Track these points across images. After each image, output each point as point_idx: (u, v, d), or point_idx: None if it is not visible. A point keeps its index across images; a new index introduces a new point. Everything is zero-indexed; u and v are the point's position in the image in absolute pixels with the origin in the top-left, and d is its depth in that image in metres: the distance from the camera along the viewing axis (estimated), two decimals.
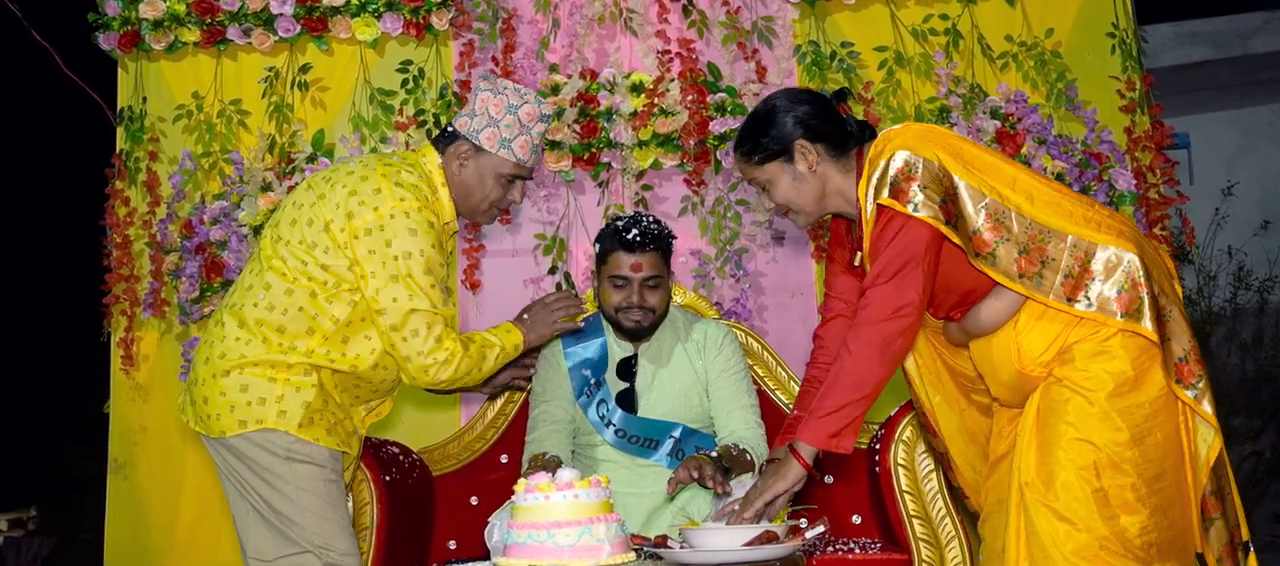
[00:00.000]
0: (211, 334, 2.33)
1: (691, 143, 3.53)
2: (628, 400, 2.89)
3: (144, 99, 3.85)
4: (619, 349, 2.95)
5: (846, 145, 2.24)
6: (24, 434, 8.25)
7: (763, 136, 2.24)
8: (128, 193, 3.81)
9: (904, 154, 2.08)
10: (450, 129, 2.45)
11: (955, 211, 2.06)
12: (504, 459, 3.26)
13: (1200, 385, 2.03)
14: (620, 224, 2.87)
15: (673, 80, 3.58)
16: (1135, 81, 3.58)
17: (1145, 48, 3.80)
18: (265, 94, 3.78)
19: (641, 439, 2.86)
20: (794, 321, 3.62)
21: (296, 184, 3.62)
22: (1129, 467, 1.99)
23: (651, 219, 2.89)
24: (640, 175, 3.60)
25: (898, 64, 3.65)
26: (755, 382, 3.04)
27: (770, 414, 3.05)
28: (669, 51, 3.62)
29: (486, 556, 2.55)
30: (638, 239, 2.81)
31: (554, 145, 3.56)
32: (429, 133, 3.67)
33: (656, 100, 3.56)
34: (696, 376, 2.91)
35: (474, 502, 3.19)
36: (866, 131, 2.26)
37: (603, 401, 2.88)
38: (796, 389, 3.24)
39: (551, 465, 2.76)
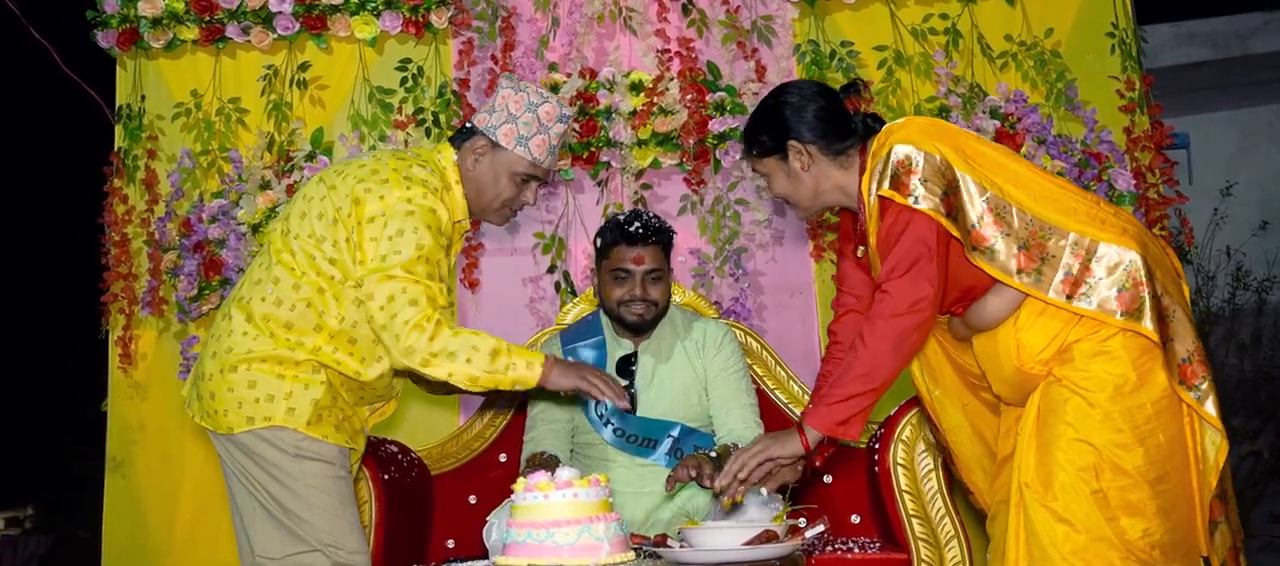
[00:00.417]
0: (218, 328, 2.31)
1: (691, 142, 3.53)
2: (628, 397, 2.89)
3: (142, 97, 3.85)
4: (618, 346, 2.95)
5: (847, 140, 2.23)
6: (24, 433, 8.24)
7: (760, 134, 2.26)
8: (126, 191, 3.81)
9: (905, 147, 2.08)
10: (469, 125, 2.43)
11: (956, 205, 2.06)
12: (502, 458, 3.26)
13: (1203, 386, 2.01)
14: (622, 218, 2.91)
15: (672, 79, 3.58)
16: (1135, 81, 3.58)
17: (1145, 48, 3.80)
18: (264, 92, 3.78)
19: (640, 438, 2.86)
20: (793, 320, 3.62)
21: (295, 182, 3.62)
22: (1130, 469, 1.98)
23: (652, 214, 2.93)
24: (639, 174, 3.59)
25: (897, 63, 3.64)
26: (754, 382, 3.04)
27: (769, 413, 3.05)
28: (668, 50, 3.62)
29: (485, 555, 2.55)
30: (639, 231, 2.85)
31: None
32: (428, 131, 3.67)
33: (656, 99, 3.56)
34: (696, 375, 2.91)
35: (472, 501, 3.19)
36: (875, 125, 2.26)
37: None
38: (795, 388, 3.25)
39: (550, 464, 2.76)
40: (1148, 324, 1.99)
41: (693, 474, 2.51)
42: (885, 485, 2.73)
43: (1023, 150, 3.46)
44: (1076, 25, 3.67)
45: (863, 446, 2.98)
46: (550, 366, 2.27)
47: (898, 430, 2.72)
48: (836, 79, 3.60)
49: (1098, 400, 2.01)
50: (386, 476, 2.83)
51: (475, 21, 3.72)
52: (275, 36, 3.75)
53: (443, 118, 3.68)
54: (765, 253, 3.64)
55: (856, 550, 2.73)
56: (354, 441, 2.34)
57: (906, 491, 2.69)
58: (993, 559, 2.15)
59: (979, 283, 2.12)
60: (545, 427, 2.90)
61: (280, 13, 3.70)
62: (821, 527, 2.32)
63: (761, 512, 2.38)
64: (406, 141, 3.66)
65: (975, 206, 2.06)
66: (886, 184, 2.07)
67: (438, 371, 2.20)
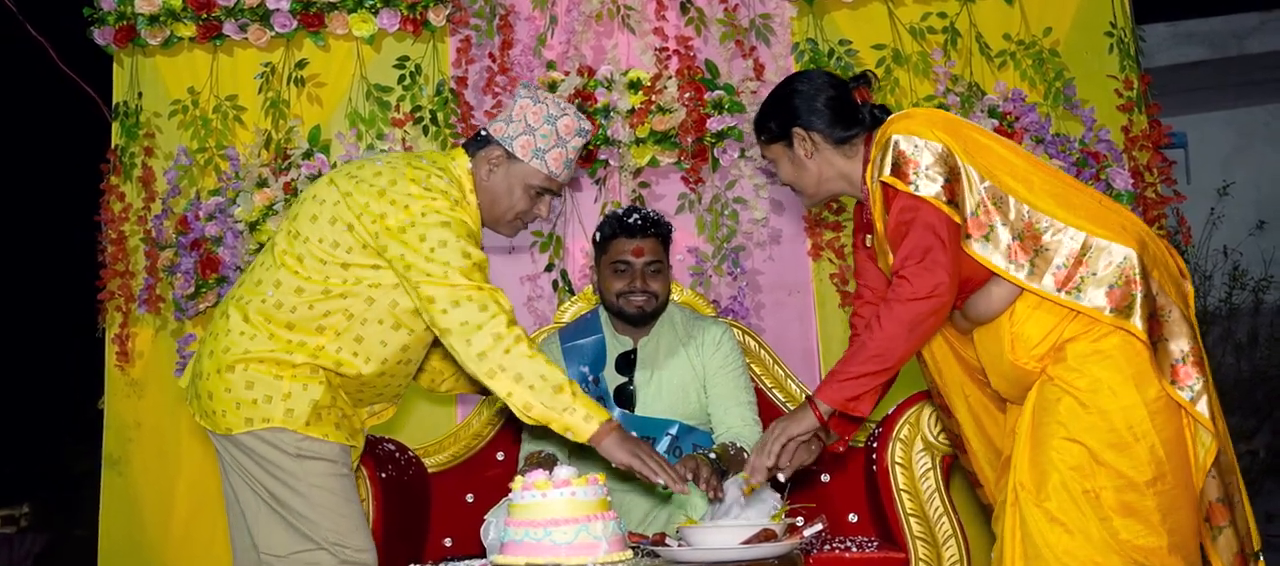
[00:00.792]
0: (216, 327, 2.30)
1: (689, 140, 3.52)
2: (626, 395, 2.89)
3: (139, 94, 3.84)
4: (617, 344, 2.96)
5: (852, 129, 2.27)
6: (22, 432, 8.23)
7: (769, 120, 2.33)
8: (123, 188, 3.80)
9: (907, 135, 2.10)
10: (484, 133, 2.40)
11: (957, 192, 2.07)
12: (500, 456, 3.25)
13: (1197, 387, 2.00)
14: (621, 211, 2.95)
15: (670, 77, 3.58)
16: (1133, 81, 3.58)
17: (1142, 47, 3.80)
18: (261, 90, 3.77)
19: (638, 436, 2.86)
20: (791, 319, 3.62)
21: (292, 180, 3.62)
22: (1123, 470, 1.97)
23: (650, 209, 2.96)
24: (637, 172, 3.59)
25: (896, 62, 3.64)
26: (752, 380, 3.04)
27: (767, 412, 3.05)
28: (666, 49, 3.61)
29: (482, 554, 2.55)
30: (639, 223, 2.88)
31: None
32: (426, 129, 3.67)
33: (654, 97, 3.55)
34: (695, 373, 2.91)
35: (470, 500, 3.19)
36: (881, 115, 2.28)
37: (600, 399, 2.87)
38: (793, 387, 3.25)
39: (548, 463, 2.76)
40: (1137, 322, 1.99)
41: (690, 474, 2.50)
42: (883, 484, 2.73)
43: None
44: (1075, 24, 3.67)
45: (861, 445, 2.99)
46: (608, 431, 2.19)
47: (896, 429, 2.73)
48: None
49: (1090, 400, 2.00)
50: (384, 474, 2.83)
51: (473, 19, 3.71)
52: (272, 34, 3.74)
53: (440, 116, 3.67)
54: (763, 251, 3.63)
55: (854, 549, 2.73)
56: (354, 439, 2.33)
57: (904, 490, 2.69)
58: (995, 558, 2.15)
59: (977, 274, 2.12)
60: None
61: (278, 10, 3.70)
62: (819, 526, 2.31)
63: (759, 511, 2.38)
64: (404, 139, 3.65)
65: (974, 195, 2.07)
66: (887, 170, 2.10)
67: (499, 386, 2.17)
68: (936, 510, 2.66)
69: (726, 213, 3.54)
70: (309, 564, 2.21)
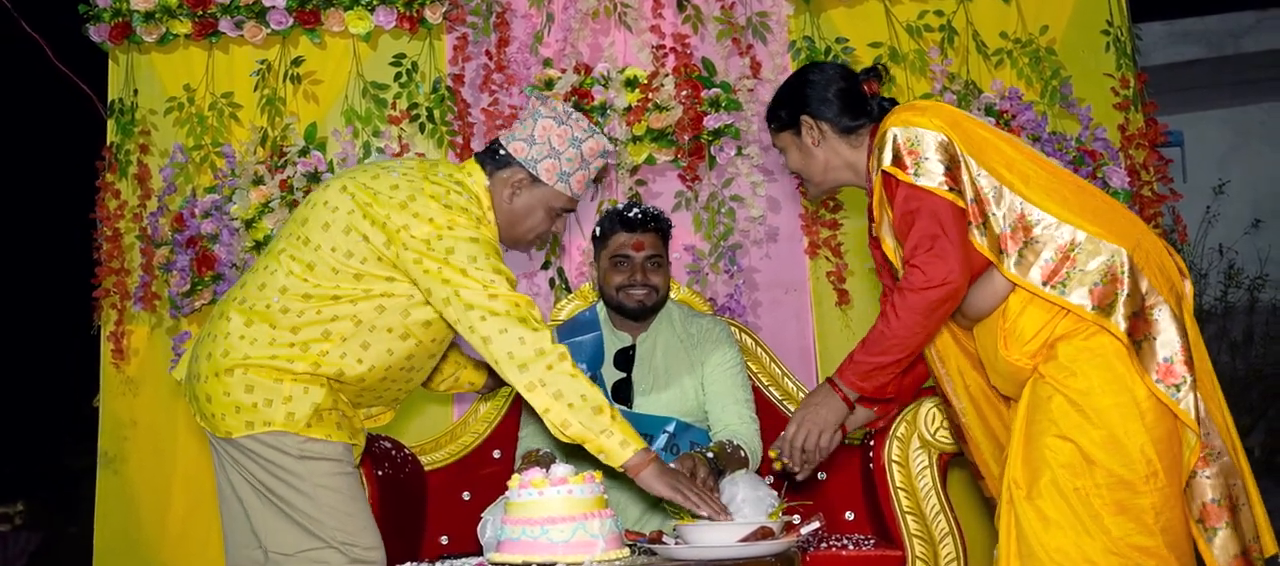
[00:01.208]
0: (215, 328, 2.27)
1: (686, 138, 3.52)
2: (624, 391, 2.89)
3: (135, 91, 3.83)
4: (616, 340, 2.96)
5: (859, 120, 2.32)
6: (17, 430, 8.22)
7: (779, 108, 2.39)
8: (118, 186, 3.79)
9: (905, 126, 2.14)
10: (503, 153, 2.36)
11: (957, 181, 2.10)
12: (497, 454, 3.25)
13: (1183, 387, 1.99)
14: (621, 206, 2.98)
15: (667, 75, 3.58)
16: (1129, 79, 3.58)
17: (1139, 46, 3.81)
18: (257, 87, 3.77)
19: (641, 429, 2.86)
20: (788, 317, 3.62)
21: (288, 177, 3.61)
22: (1114, 468, 1.97)
23: (650, 205, 2.98)
24: (634, 170, 3.59)
25: (892, 60, 3.64)
26: (749, 378, 3.04)
27: (764, 409, 3.05)
28: (663, 46, 3.61)
29: (479, 552, 2.55)
30: (640, 217, 2.91)
31: None
32: (422, 127, 3.66)
33: (651, 95, 3.55)
34: (693, 371, 2.92)
35: (466, 498, 3.18)
36: (888, 108, 2.33)
37: None
38: (790, 385, 3.25)
39: (545, 461, 2.76)
40: (1118, 321, 1.99)
41: (687, 474, 2.50)
42: (880, 482, 2.73)
43: None
44: (1071, 23, 3.67)
45: (858, 443, 2.99)
46: (646, 461, 2.19)
47: (893, 427, 2.72)
48: None
49: (1081, 399, 2.01)
50: (380, 472, 2.82)
51: (470, 17, 3.71)
52: (268, 31, 3.73)
53: (437, 113, 3.67)
54: (760, 249, 3.63)
55: (851, 547, 2.72)
56: (356, 438, 2.32)
57: (901, 488, 2.68)
58: (996, 556, 2.16)
59: (975, 262, 2.13)
60: (540, 424, 2.89)
61: (274, 7, 3.69)
62: (816, 524, 2.32)
63: (756, 509, 2.38)
64: (400, 137, 3.65)
65: (971, 186, 2.10)
66: (887, 161, 2.14)
67: (538, 400, 2.17)
68: (933, 508, 2.66)
69: (723, 211, 3.54)
70: (318, 561, 2.20)
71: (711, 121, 3.52)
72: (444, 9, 3.67)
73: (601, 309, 3.04)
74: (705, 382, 2.91)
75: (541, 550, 1.95)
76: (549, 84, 3.58)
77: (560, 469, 2.03)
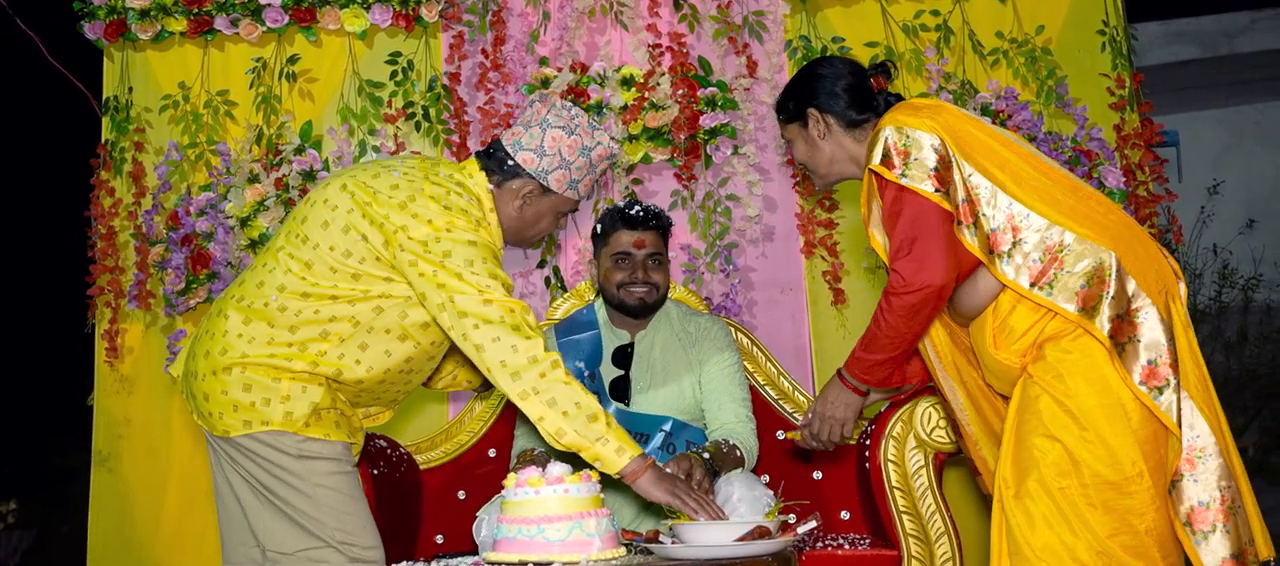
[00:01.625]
0: (212, 326, 2.26)
1: (682, 137, 3.52)
2: (622, 389, 2.89)
3: (130, 89, 3.82)
4: (614, 338, 2.96)
5: (864, 114, 2.35)
6: (11, 428, 8.19)
7: (787, 100, 2.42)
8: (113, 183, 3.78)
9: (897, 126, 2.15)
10: (511, 163, 2.35)
11: (948, 180, 2.11)
12: (492, 453, 3.25)
13: (1166, 389, 1.98)
14: (622, 203, 2.99)
15: (663, 74, 3.57)
16: (1125, 79, 3.58)
17: (1134, 46, 3.81)
18: (253, 85, 3.76)
19: (632, 433, 2.84)
20: (784, 316, 3.62)
21: (284, 176, 3.60)
22: (1100, 468, 1.98)
23: (650, 202, 3.00)
24: (630, 169, 3.59)
25: (888, 59, 3.64)
26: (746, 378, 3.04)
27: (760, 409, 3.05)
28: (660, 45, 3.61)
29: (474, 551, 2.54)
30: (640, 215, 2.92)
31: None
32: (418, 125, 3.65)
33: (647, 94, 3.55)
34: (691, 369, 2.92)
35: (462, 497, 3.18)
36: (894, 103, 2.34)
37: (596, 394, 2.87)
38: (785, 384, 3.25)
39: (541, 460, 2.76)
40: (1101, 324, 1.99)
41: (684, 475, 2.50)
42: (876, 481, 2.73)
43: None
44: (1067, 23, 3.67)
45: (853, 442, 2.99)
46: (642, 467, 2.18)
47: (888, 426, 2.73)
48: None
49: (1068, 399, 2.02)
50: (375, 471, 2.82)
51: (466, 15, 3.70)
52: (264, 29, 3.72)
53: (433, 112, 3.66)
54: (756, 248, 3.63)
55: (847, 546, 2.73)
56: (354, 437, 2.31)
57: (897, 488, 2.69)
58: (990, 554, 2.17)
59: (965, 261, 2.14)
60: None
61: (269, 5, 3.68)
62: (813, 523, 2.31)
63: (753, 508, 2.38)
64: (396, 135, 3.64)
65: (963, 186, 2.10)
66: (876, 159, 2.16)
67: (532, 408, 2.15)
68: (929, 507, 2.67)
69: (719, 210, 3.54)
70: (317, 560, 2.20)
71: (707, 120, 3.52)
72: (440, 7, 3.67)
73: (600, 307, 3.04)
74: (703, 381, 2.92)
75: (538, 549, 1.95)
76: (545, 83, 3.58)
77: (557, 468, 2.02)
